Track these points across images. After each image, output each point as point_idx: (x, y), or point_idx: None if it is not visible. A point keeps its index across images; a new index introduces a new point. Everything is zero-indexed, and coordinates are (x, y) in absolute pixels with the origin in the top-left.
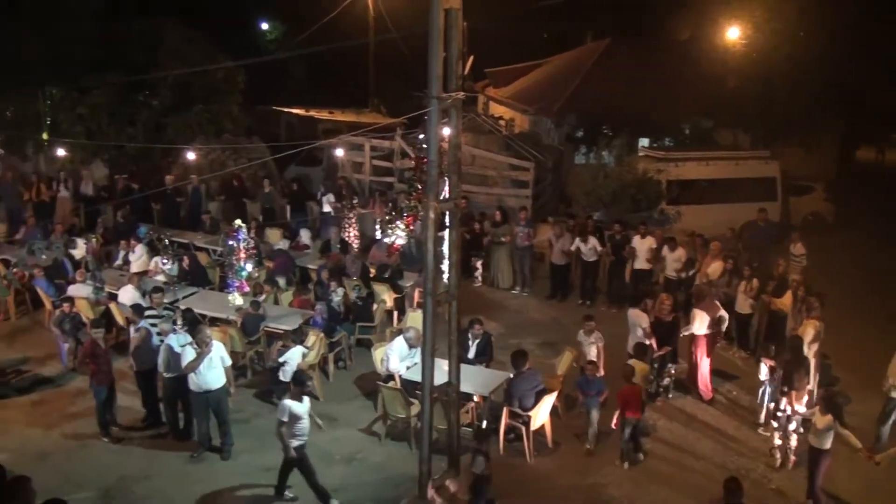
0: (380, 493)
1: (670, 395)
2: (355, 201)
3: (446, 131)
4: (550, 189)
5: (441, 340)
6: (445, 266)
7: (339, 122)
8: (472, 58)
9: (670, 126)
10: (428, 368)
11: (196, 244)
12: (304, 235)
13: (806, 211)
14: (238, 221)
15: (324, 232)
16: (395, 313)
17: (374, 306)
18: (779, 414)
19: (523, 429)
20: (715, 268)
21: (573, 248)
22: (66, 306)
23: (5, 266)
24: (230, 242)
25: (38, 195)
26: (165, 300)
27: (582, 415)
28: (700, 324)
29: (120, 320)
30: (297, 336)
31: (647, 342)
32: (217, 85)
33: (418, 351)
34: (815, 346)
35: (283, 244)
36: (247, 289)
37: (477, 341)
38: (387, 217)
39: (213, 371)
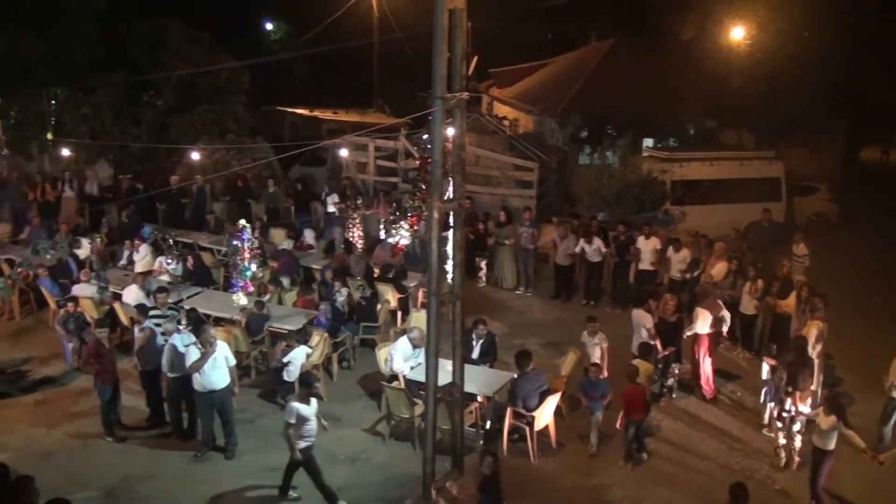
0: (383, 493)
1: (674, 395)
2: (359, 201)
3: (450, 131)
4: (554, 189)
5: (445, 340)
6: (449, 266)
7: (343, 123)
8: (476, 58)
9: (674, 126)
10: (432, 368)
11: (200, 244)
12: (309, 235)
13: (810, 211)
14: (242, 221)
15: (328, 232)
16: (399, 313)
17: (378, 306)
18: (784, 415)
19: (527, 429)
20: (719, 268)
21: (578, 249)
22: (70, 306)
23: (10, 266)
24: (234, 242)
25: (43, 195)
26: (170, 300)
27: (586, 415)
28: (703, 323)
29: (124, 320)
30: (301, 336)
31: (653, 342)
32: (221, 85)
33: (422, 351)
34: (818, 347)
35: (288, 244)
36: (251, 289)
37: (481, 341)
38: (391, 217)
39: (218, 371)
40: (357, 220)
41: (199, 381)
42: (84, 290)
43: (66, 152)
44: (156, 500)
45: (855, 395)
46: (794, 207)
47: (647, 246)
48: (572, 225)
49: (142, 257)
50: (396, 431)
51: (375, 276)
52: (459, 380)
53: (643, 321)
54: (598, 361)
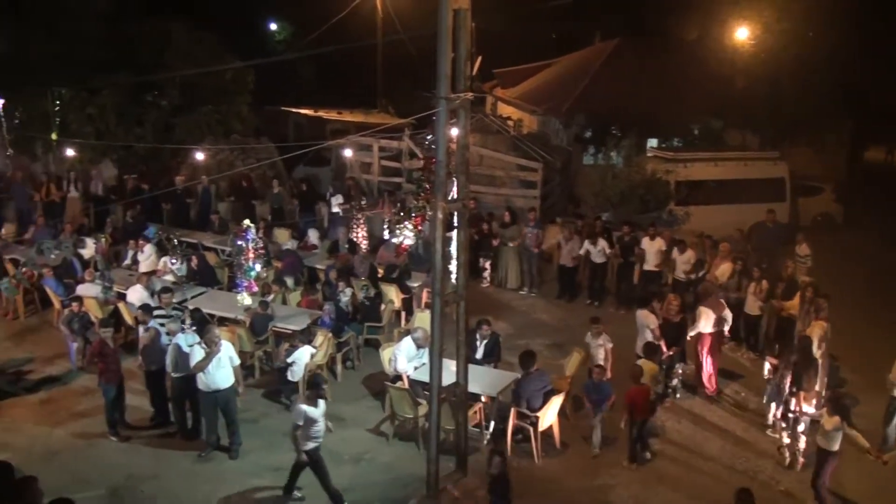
0: (387, 493)
1: (678, 396)
2: (363, 202)
3: (455, 132)
4: (559, 189)
5: (449, 341)
6: (453, 266)
7: (347, 123)
8: (480, 58)
9: (679, 126)
10: (436, 369)
11: (205, 244)
12: (313, 236)
13: (815, 212)
14: (247, 221)
15: (332, 232)
16: (403, 314)
17: (382, 306)
18: (790, 415)
19: (531, 430)
20: (724, 269)
21: (582, 251)
22: (74, 305)
23: (15, 265)
24: (239, 242)
25: (48, 195)
26: (174, 300)
27: (589, 416)
28: (706, 322)
29: (128, 320)
30: (306, 336)
31: (658, 343)
32: (226, 85)
33: (426, 351)
34: (822, 348)
35: (292, 244)
36: (255, 289)
37: (485, 342)
38: (395, 217)
39: (222, 371)
40: (361, 221)
41: (203, 381)
42: (88, 289)
43: (70, 152)
44: (160, 499)
45: (859, 396)
46: (799, 208)
47: (651, 247)
48: (576, 225)
49: (146, 257)
50: (400, 432)
51: (379, 276)
52: (463, 380)
53: (647, 322)
54: (601, 363)
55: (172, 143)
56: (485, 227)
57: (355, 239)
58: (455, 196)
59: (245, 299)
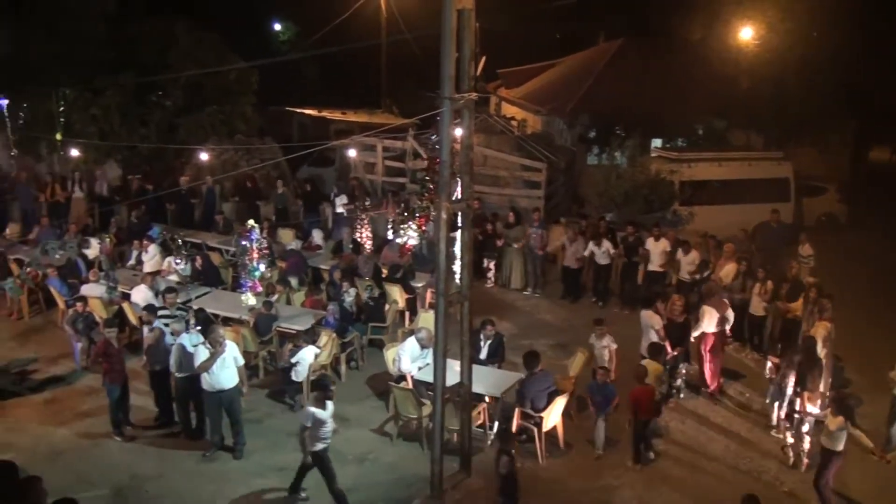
0: (392, 493)
1: (682, 396)
2: (368, 202)
3: (458, 132)
4: (563, 190)
5: (453, 341)
6: (457, 267)
7: (351, 123)
8: (484, 58)
9: (683, 126)
10: (440, 369)
11: (209, 244)
12: (317, 236)
13: (819, 212)
14: (251, 222)
15: (336, 232)
16: (407, 314)
17: (386, 307)
18: (795, 416)
19: (535, 430)
20: (728, 270)
21: (587, 253)
22: (79, 305)
23: (19, 266)
24: (243, 243)
25: (53, 195)
26: (178, 300)
27: (593, 417)
28: (709, 321)
29: (133, 320)
30: (310, 336)
31: (663, 343)
32: (230, 86)
33: (430, 351)
34: (826, 348)
35: (296, 244)
36: (259, 289)
37: (489, 342)
38: (399, 218)
39: (226, 371)
40: (365, 221)
41: (207, 381)
42: (93, 289)
43: (75, 153)
44: (164, 499)
45: (863, 397)
46: (803, 208)
47: (656, 247)
48: (580, 226)
49: (150, 257)
50: (404, 432)
51: (383, 276)
52: (467, 380)
53: (652, 322)
54: (605, 365)
55: (176, 143)
56: (489, 228)
57: (359, 239)
58: (459, 196)
59: (249, 299)
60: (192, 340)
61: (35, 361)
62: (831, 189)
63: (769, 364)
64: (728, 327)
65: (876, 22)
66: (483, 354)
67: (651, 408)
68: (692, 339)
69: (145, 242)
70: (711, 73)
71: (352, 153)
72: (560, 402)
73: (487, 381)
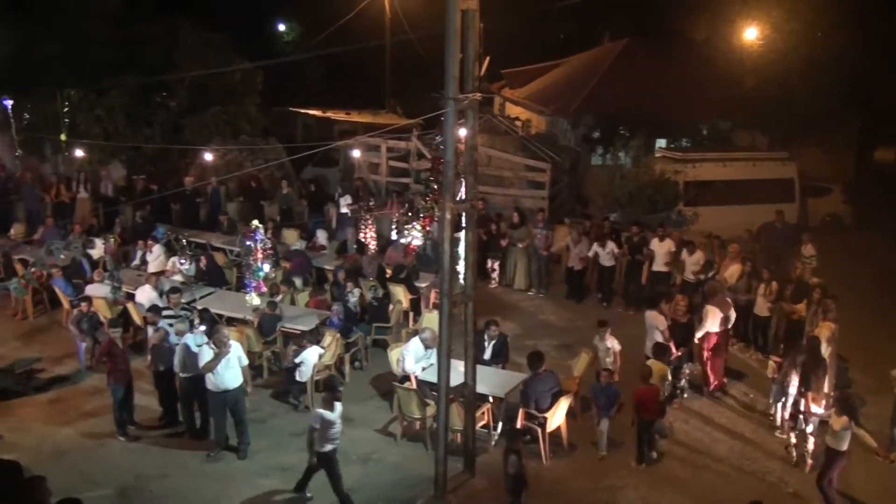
0: (395, 493)
1: (685, 396)
2: (372, 202)
3: (463, 132)
4: (567, 190)
5: (457, 341)
6: (461, 267)
7: (355, 123)
8: (488, 58)
9: (688, 127)
10: (444, 369)
11: (213, 244)
12: (321, 236)
13: (824, 212)
14: (255, 222)
15: (340, 233)
16: (411, 314)
17: (390, 307)
18: (799, 416)
19: (539, 430)
20: (733, 271)
21: (591, 254)
22: (83, 306)
23: (24, 266)
24: (247, 243)
25: (58, 196)
26: (182, 300)
27: (597, 418)
28: (713, 321)
29: (137, 320)
30: (314, 336)
31: (668, 344)
32: (234, 86)
33: (434, 352)
34: (830, 349)
35: (300, 245)
36: (264, 289)
37: (493, 342)
38: (403, 218)
39: (231, 371)
40: (370, 221)
41: (212, 381)
42: (97, 289)
43: (79, 153)
44: (168, 499)
45: (867, 398)
46: (808, 208)
47: (661, 248)
48: (584, 226)
49: (155, 257)
50: (408, 432)
51: (387, 276)
52: (471, 381)
53: (657, 323)
54: (609, 367)
55: (181, 143)
56: (493, 228)
57: (364, 239)
58: (463, 197)
59: (253, 300)
60: (196, 340)
61: (40, 361)
62: (836, 190)
63: (771, 364)
64: (729, 326)
65: (881, 22)
66: (487, 355)
67: (655, 408)
68: (696, 340)
69: (150, 243)
70: (716, 73)
71: (356, 153)
72: (564, 403)
73: (491, 381)
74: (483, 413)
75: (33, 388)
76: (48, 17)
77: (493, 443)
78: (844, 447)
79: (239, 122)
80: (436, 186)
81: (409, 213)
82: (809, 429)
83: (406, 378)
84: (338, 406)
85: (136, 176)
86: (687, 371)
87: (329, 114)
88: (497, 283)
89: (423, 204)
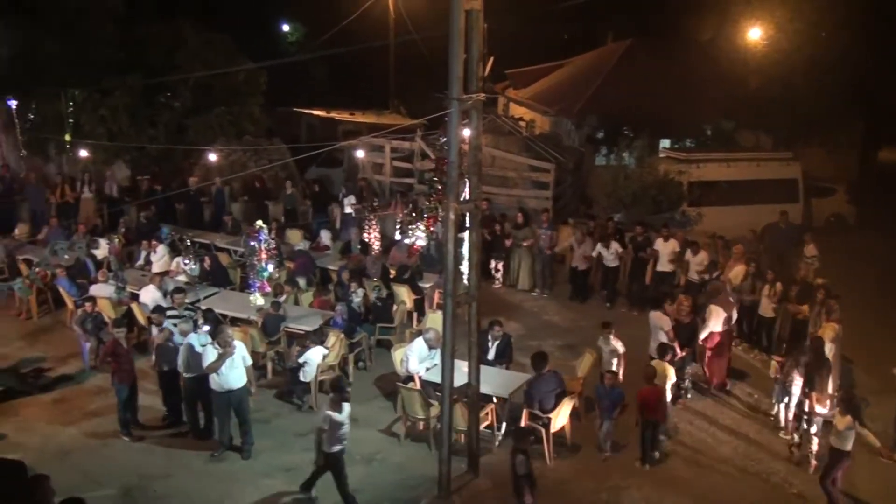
0: (399, 493)
1: (689, 396)
2: (376, 203)
3: (467, 132)
4: (571, 190)
5: (461, 342)
6: (465, 267)
7: (359, 124)
8: (492, 59)
9: (692, 127)
10: (447, 369)
11: (217, 245)
12: (325, 236)
13: (828, 212)
14: (259, 222)
15: (344, 233)
16: (415, 314)
17: (394, 307)
18: (804, 417)
19: (543, 431)
20: (737, 272)
21: (595, 253)
22: (88, 306)
23: (28, 266)
24: (252, 243)
25: (63, 196)
26: (187, 300)
27: (600, 420)
28: (717, 320)
29: (141, 320)
30: (318, 337)
31: (672, 344)
32: (238, 87)
33: (438, 352)
34: (833, 349)
35: (304, 245)
36: (268, 289)
37: (496, 343)
38: (407, 218)
39: (235, 371)
40: (374, 222)
41: (216, 381)
42: (101, 290)
43: (83, 153)
44: (172, 499)
45: (871, 398)
46: (812, 209)
47: (665, 248)
48: (588, 227)
49: (159, 258)
50: (412, 432)
51: (391, 277)
52: (475, 381)
53: (661, 323)
54: (613, 369)
55: (185, 144)
56: (497, 229)
57: (367, 240)
58: (467, 197)
59: (257, 300)
60: (200, 340)
61: (44, 361)
62: (840, 190)
63: (774, 364)
64: (732, 325)
65: (885, 22)
66: (491, 355)
67: (659, 408)
68: (700, 340)
69: (154, 243)
70: (720, 73)
71: (360, 154)
72: (568, 403)
73: (495, 381)
74: (487, 413)
75: (37, 387)
76: (51, 18)
77: (496, 443)
78: (848, 447)
79: (243, 123)
80: (440, 187)
81: (413, 214)
82: (813, 429)
83: (410, 378)
84: (346, 407)
85: (140, 176)
86: (689, 371)
87: (333, 114)
88: (501, 284)
89: (427, 204)
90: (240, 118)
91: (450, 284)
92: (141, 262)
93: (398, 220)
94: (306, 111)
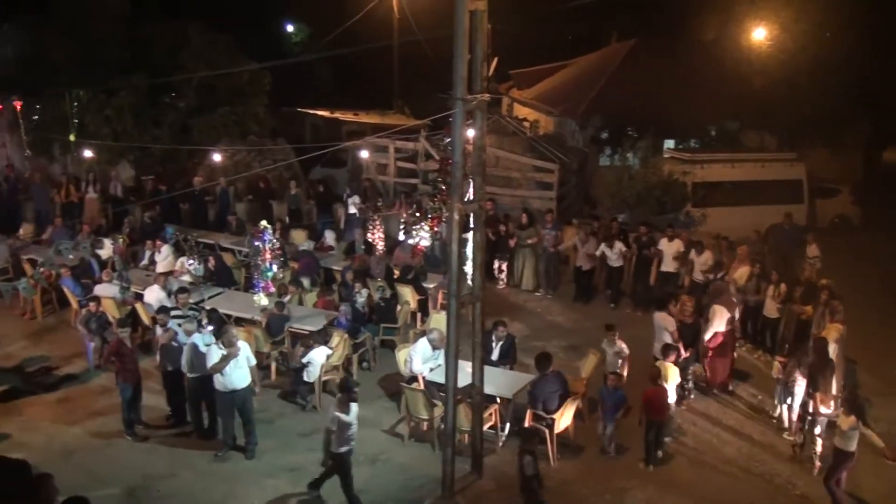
0: (403, 493)
1: (692, 397)
2: (380, 203)
3: (471, 133)
4: (575, 191)
5: (464, 342)
6: (469, 268)
7: (363, 124)
8: (496, 59)
9: (696, 127)
10: (451, 370)
11: (222, 245)
12: (329, 237)
13: (832, 213)
14: (264, 223)
15: (348, 233)
16: (419, 315)
17: (398, 308)
18: (808, 418)
19: (547, 432)
20: (742, 272)
21: (598, 252)
22: (92, 305)
23: (32, 266)
24: (256, 243)
25: (67, 196)
26: (191, 300)
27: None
28: (720, 320)
29: (146, 320)
30: (322, 337)
31: (677, 345)
32: (242, 87)
33: (442, 352)
34: (837, 350)
35: (308, 245)
36: (272, 289)
37: (500, 343)
38: (411, 219)
39: (239, 371)
40: (378, 222)
41: (220, 381)
42: (106, 289)
43: (88, 153)
44: (176, 498)
45: (875, 400)
46: (816, 209)
47: (669, 248)
48: (592, 227)
49: (163, 258)
50: (416, 433)
51: (395, 277)
52: (479, 381)
53: (666, 324)
54: (618, 370)
55: (189, 144)
56: (501, 229)
57: (371, 240)
58: (471, 197)
59: (262, 300)
60: (204, 340)
61: (48, 361)
62: (844, 191)
63: (776, 364)
64: (735, 325)
65: (889, 23)
66: (495, 356)
67: (663, 409)
68: (705, 341)
69: (158, 243)
70: (724, 73)
71: (364, 154)
72: (572, 405)
73: (499, 382)
74: (490, 414)
75: (42, 387)
76: (57, 18)
77: (500, 444)
78: (852, 448)
79: (247, 123)
80: (444, 187)
81: (418, 214)
82: (817, 430)
83: (414, 379)
84: (353, 407)
85: (144, 176)
86: (692, 371)
87: (337, 114)
88: (505, 284)
89: (432, 205)
90: (244, 118)
91: (454, 285)
92: (145, 261)
93: (402, 221)
94: (310, 111)
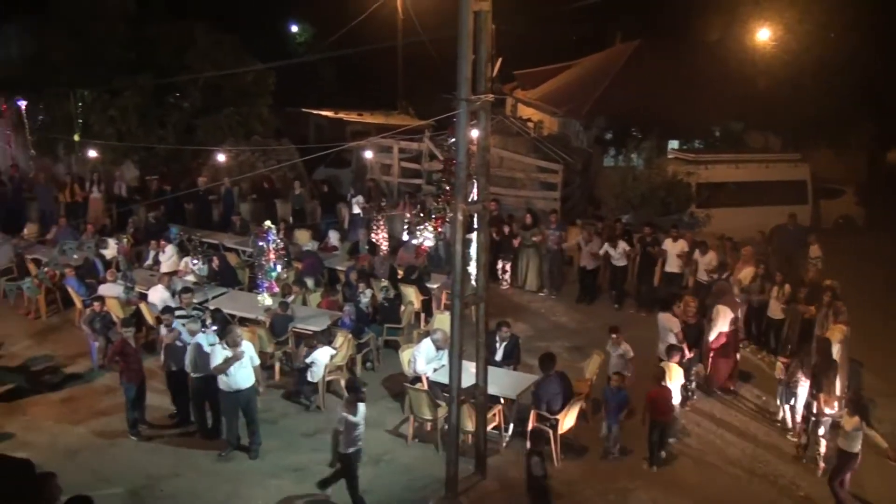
0: (406, 494)
1: (695, 397)
2: (384, 203)
3: (475, 133)
4: (579, 191)
5: (468, 342)
6: (473, 268)
7: (367, 124)
8: (500, 60)
9: (700, 128)
10: (455, 370)
11: (226, 245)
12: (333, 237)
13: (836, 214)
14: (268, 223)
15: (352, 234)
16: (423, 315)
17: (402, 308)
18: (812, 418)
19: (551, 432)
20: (746, 273)
21: (602, 252)
22: (96, 305)
23: (37, 265)
24: (260, 243)
25: (72, 196)
26: (195, 300)
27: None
28: (724, 321)
29: (150, 320)
30: (325, 337)
31: (681, 346)
32: (247, 87)
33: (445, 353)
34: (841, 351)
35: (312, 245)
36: (276, 289)
37: (504, 344)
38: (415, 219)
39: (243, 371)
40: (382, 222)
41: (224, 381)
42: (110, 289)
43: (92, 153)
44: (179, 498)
45: (879, 401)
46: (821, 210)
47: (674, 248)
48: (596, 227)
49: (168, 258)
50: (419, 433)
51: (399, 277)
52: (483, 382)
53: (670, 325)
54: (622, 371)
55: (194, 144)
56: (505, 229)
57: (375, 240)
58: (475, 198)
59: (265, 300)
60: (208, 340)
61: (52, 360)
62: (849, 191)
63: (779, 365)
64: (739, 325)
65: (893, 23)
66: (498, 356)
67: (667, 409)
68: (709, 342)
69: (162, 243)
70: (728, 74)
71: (368, 154)
72: (576, 405)
73: (503, 382)
74: (494, 414)
75: (46, 386)
76: (61, 18)
77: (504, 444)
78: (856, 448)
79: (251, 123)
80: (448, 187)
81: (421, 214)
82: (821, 431)
83: (417, 379)
84: (361, 407)
85: (149, 176)
86: (695, 371)
87: (341, 115)
88: (508, 285)
89: (435, 205)
90: (248, 118)
91: (458, 285)
92: (149, 261)
93: (406, 221)
94: (315, 112)
